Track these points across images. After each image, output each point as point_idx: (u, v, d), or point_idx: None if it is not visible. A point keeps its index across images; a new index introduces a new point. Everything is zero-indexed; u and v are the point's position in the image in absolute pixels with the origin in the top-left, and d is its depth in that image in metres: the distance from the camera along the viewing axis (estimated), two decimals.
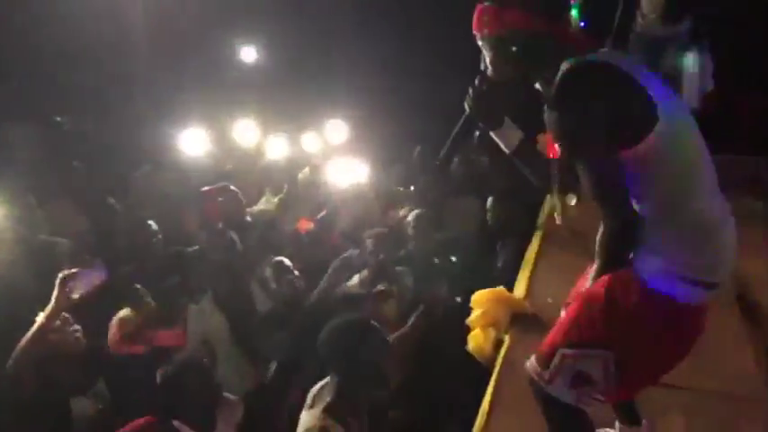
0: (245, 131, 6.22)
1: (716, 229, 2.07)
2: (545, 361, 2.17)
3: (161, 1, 7.82)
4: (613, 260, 2.10)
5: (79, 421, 3.41)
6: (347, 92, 7.83)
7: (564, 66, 1.97)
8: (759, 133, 6.21)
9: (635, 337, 2.08)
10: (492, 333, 3.53)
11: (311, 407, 2.82)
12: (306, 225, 5.10)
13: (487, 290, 3.67)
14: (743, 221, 4.52)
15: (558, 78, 1.96)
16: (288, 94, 7.74)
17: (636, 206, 2.05)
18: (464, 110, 2.33)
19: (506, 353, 3.37)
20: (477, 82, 2.26)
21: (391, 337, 3.39)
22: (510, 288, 3.94)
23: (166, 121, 6.84)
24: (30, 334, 3.26)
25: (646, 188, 2.00)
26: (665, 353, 2.15)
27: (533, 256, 4.39)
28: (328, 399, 2.76)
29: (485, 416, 2.95)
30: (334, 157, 5.69)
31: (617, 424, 2.59)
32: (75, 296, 3.32)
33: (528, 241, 4.63)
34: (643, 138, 1.91)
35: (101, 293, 3.52)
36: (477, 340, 3.55)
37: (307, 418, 2.77)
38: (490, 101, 2.27)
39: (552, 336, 2.21)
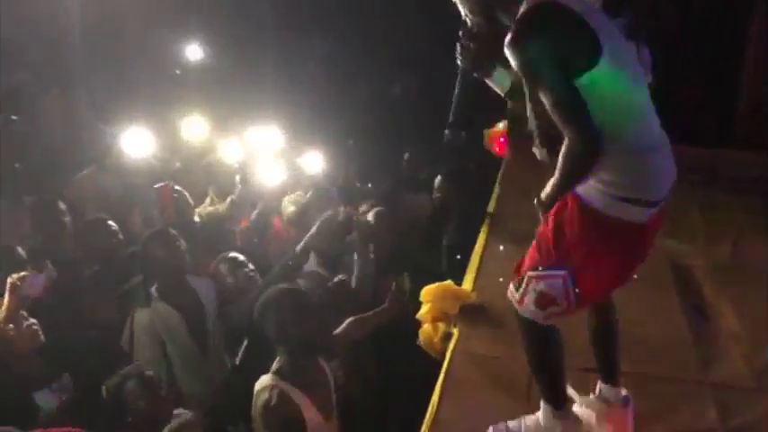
0: (194, 128, 6.10)
1: (652, 152, 2.28)
2: (517, 285, 2.43)
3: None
4: (571, 176, 2.23)
5: (44, 414, 3.39)
6: (290, 91, 7.82)
7: (524, 6, 2.19)
8: (692, 122, 6.41)
9: (588, 255, 2.30)
10: (441, 327, 3.57)
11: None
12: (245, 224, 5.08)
13: (435, 284, 3.70)
14: (678, 209, 4.72)
15: (518, 17, 2.19)
16: (233, 93, 7.66)
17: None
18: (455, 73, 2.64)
19: (456, 345, 3.41)
20: (461, 35, 2.47)
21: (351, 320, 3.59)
22: (455, 269, 4.00)
23: (109, 121, 6.73)
24: None
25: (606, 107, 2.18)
26: (616, 266, 2.40)
27: (481, 245, 4.45)
28: (277, 363, 2.98)
29: (434, 407, 2.98)
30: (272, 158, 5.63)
31: (598, 387, 2.73)
32: (26, 298, 3.39)
33: (475, 224, 4.71)
34: (587, 69, 2.11)
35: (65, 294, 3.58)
36: (427, 334, 3.59)
37: (261, 378, 2.98)
38: (476, 51, 2.48)
39: (523, 264, 2.45)
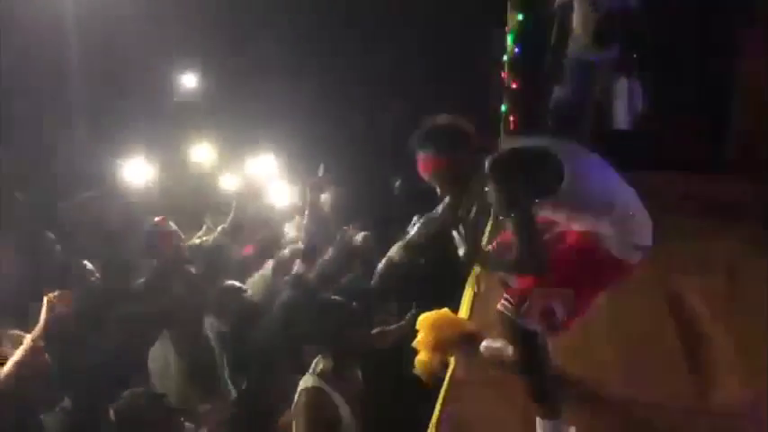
0: (202, 155, 6.16)
1: (635, 211, 2.89)
2: (518, 301, 2.78)
3: (99, 29, 7.73)
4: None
5: None
6: (285, 121, 7.89)
7: (487, 161, 2.72)
8: (686, 150, 6.45)
9: (591, 283, 2.85)
10: (438, 356, 3.58)
11: (312, 372, 3.19)
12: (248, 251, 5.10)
13: (432, 312, 3.72)
14: (675, 238, 4.74)
15: (486, 168, 2.71)
16: (229, 124, 7.73)
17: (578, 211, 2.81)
18: None
19: (452, 374, 3.42)
20: None
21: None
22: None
23: (107, 150, 6.77)
24: (19, 354, 3.35)
25: (582, 208, 2.80)
26: (600, 296, 2.94)
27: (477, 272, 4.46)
28: (321, 366, 3.18)
29: None
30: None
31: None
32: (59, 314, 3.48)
33: None
34: (558, 184, 2.68)
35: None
36: (423, 363, 3.60)
37: (305, 378, 3.18)
38: None
39: (526, 281, 2.84)
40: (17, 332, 3.58)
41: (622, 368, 3.27)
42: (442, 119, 2.92)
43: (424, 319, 3.68)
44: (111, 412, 3.24)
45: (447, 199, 3.26)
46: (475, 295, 4.16)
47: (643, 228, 2.90)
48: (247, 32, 9.08)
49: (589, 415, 3.12)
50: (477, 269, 4.10)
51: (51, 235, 4.82)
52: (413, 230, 3.42)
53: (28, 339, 3.43)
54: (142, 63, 8.48)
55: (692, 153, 6.46)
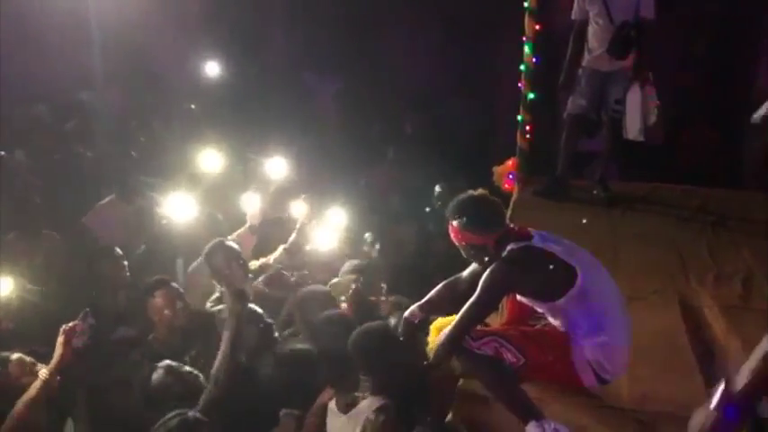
0: (211, 162, 6.06)
1: (620, 347, 3.05)
2: (477, 337, 3.04)
3: (119, 30, 7.80)
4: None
5: None
6: (303, 128, 7.92)
7: (506, 251, 3.00)
8: (702, 164, 6.45)
9: (547, 367, 3.09)
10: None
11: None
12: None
13: (445, 318, 3.72)
14: (688, 249, 4.73)
15: (501, 259, 3.00)
16: (246, 129, 7.76)
17: (575, 326, 3.05)
18: None
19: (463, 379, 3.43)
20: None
21: None
22: None
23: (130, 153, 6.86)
24: (34, 390, 3.27)
25: (578, 320, 3.03)
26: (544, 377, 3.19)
27: None
28: (370, 397, 3.17)
29: None
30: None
31: None
32: (78, 347, 3.38)
33: None
34: (565, 292, 2.97)
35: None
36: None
37: (371, 400, 3.14)
38: None
39: (490, 328, 3.23)
40: (20, 356, 3.50)
41: (636, 378, 3.26)
42: (480, 195, 3.11)
43: (437, 326, 3.68)
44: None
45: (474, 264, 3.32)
46: None
47: (617, 360, 3.06)
48: (262, 38, 9.15)
49: (600, 423, 3.13)
50: None
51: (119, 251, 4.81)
52: (433, 291, 3.43)
53: (43, 373, 3.32)
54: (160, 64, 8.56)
55: (709, 167, 6.46)
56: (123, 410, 3.56)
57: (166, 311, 4.07)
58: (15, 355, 3.51)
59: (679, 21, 6.33)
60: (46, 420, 3.41)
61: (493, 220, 3.07)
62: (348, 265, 4.73)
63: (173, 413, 3.01)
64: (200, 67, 8.72)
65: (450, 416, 3.27)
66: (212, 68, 8.74)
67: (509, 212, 5.62)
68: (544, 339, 3.14)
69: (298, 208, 5.04)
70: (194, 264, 4.76)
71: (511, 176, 6.26)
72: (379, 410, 3.06)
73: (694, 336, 3.82)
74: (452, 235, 3.11)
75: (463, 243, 3.09)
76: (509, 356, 3.03)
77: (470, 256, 3.17)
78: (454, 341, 3.03)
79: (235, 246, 4.45)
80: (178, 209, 4.99)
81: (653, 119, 5.15)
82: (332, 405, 3.28)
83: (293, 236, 4.96)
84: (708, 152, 6.72)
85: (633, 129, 5.19)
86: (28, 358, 3.52)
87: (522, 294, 3.18)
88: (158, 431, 2.90)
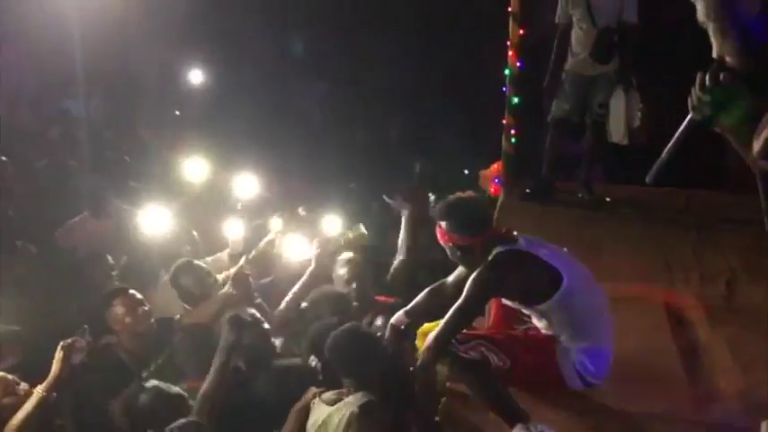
0: (195, 170, 5.97)
1: (605, 350, 3.12)
2: (464, 340, 3.09)
3: (102, 36, 7.77)
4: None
5: None
6: (287, 133, 7.91)
7: (492, 254, 3.04)
8: (688, 167, 6.48)
9: (533, 371, 3.14)
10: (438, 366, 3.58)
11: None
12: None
13: (433, 323, 3.72)
14: (672, 250, 4.76)
15: (487, 262, 3.05)
16: (230, 135, 7.75)
17: (562, 329, 3.11)
18: None
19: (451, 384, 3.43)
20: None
21: None
22: None
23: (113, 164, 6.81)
24: (30, 407, 3.21)
25: (563, 324, 3.08)
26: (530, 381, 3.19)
27: None
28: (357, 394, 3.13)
29: None
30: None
31: None
32: (75, 363, 3.35)
33: None
34: (550, 296, 3.00)
35: None
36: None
37: (358, 395, 3.11)
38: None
39: (477, 331, 3.31)
40: (3, 375, 3.40)
41: (621, 379, 3.27)
42: (467, 197, 3.18)
43: (424, 330, 3.68)
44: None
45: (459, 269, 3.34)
46: None
47: (602, 363, 3.12)
48: (247, 41, 9.14)
49: (585, 425, 3.14)
50: None
51: (110, 259, 4.77)
52: (419, 297, 3.45)
53: (37, 391, 3.25)
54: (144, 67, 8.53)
55: (692, 166, 6.50)
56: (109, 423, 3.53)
57: (127, 319, 3.98)
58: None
59: (664, 23, 6.36)
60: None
61: (479, 222, 3.11)
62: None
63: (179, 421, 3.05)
64: (184, 73, 8.71)
65: (438, 417, 3.28)
66: (196, 76, 8.73)
67: (495, 215, 5.65)
68: (530, 343, 3.20)
69: (274, 224, 4.99)
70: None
71: (497, 180, 6.29)
72: (364, 406, 3.06)
73: (678, 336, 3.85)
74: (439, 236, 3.14)
75: (450, 244, 3.11)
76: (495, 360, 3.08)
77: (456, 258, 3.19)
78: (441, 344, 3.06)
79: (202, 264, 4.43)
80: (153, 221, 4.93)
81: (637, 122, 5.19)
82: (316, 400, 3.28)
83: (259, 246, 4.88)
84: (691, 153, 6.75)
85: (617, 132, 5.23)
86: (10, 376, 3.42)
87: (508, 298, 3.21)
88: None
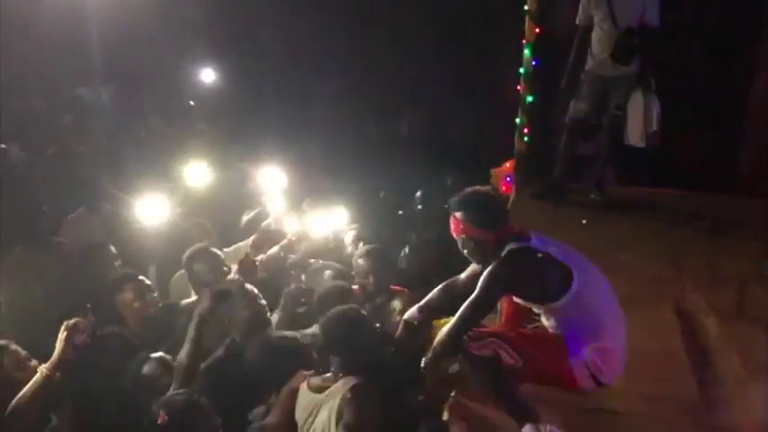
0: (196, 173, 5.90)
1: (618, 350, 3.09)
2: (476, 338, 3.06)
3: (118, 26, 7.80)
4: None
5: None
6: (300, 128, 7.91)
7: (505, 250, 3.02)
8: (701, 170, 6.47)
9: (545, 369, 3.09)
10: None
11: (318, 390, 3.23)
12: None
13: (445, 319, 3.72)
14: (684, 254, 4.75)
15: (500, 258, 3.03)
16: (244, 130, 7.76)
17: (571, 329, 3.08)
18: None
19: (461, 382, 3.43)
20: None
21: None
22: None
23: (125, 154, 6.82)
24: (34, 385, 3.28)
25: (575, 322, 3.05)
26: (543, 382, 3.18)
27: None
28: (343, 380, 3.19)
29: None
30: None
31: None
32: (79, 343, 3.41)
33: None
34: (562, 295, 2.98)
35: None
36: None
37: (348, 380, 3.17)
38: None
39: (488, 328, 3.24)
40: (16, 348, 3.51)
41: (631, 381, 3.27)
42: (486, 191, 3.19)
43: (439, 324, 3.69)
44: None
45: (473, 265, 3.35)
46: None
47: (614, 363, 3.09)
48: (262, 36, 9.15)
49: (595, 427, 3.16)
50: None
51: (113, 249, 4.77)
52: (432, 293, 3.49)
53: (42, 369, 3.33)
54: (159, 59, 8.54)
55: (704, 172, 6.49)
56: (110, 402, 3.58)
57: (136, 304, 4.10)
58: (12, 346, 3.51)
59: (677, 25, 6.34)
60: (36, 416, 3.40)
61: (496, 217, 3.10)
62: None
63: (177, 392, 3.11)
64: (199, 66, 8.73)
65: (446, 414, 3.29)
66: (208, 75, 8.76)
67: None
68: (542, 341, 3.16)
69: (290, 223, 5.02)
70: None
71: (508, 179, 6.28)
72: (354, 388, 3.12)
73: (689, 340, 3.85)
74: (453, 227, 3.14)
75: (463, 236, 3.11)
76: (507, 358, 3.04)
77: (468, 251, 3.17)
78: (452, 341, 3.05)
79: (218, 252, 4.47)
80: (150, 213, 4.89)
81: (654, 126, 5.16)
82: (303, 386, 3.32)
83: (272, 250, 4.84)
84: (702, 157, 6.74)
85: (635, 135, 5.20)
86: (23, 352, 3.52)
87: (520, 296, 3.20)
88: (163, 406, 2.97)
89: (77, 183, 5.80)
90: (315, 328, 4.10)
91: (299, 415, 3.27)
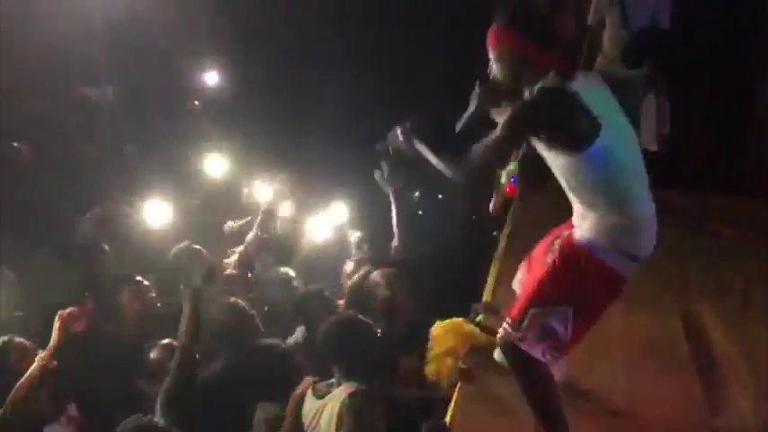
0: (215, 166, 5.99)
1: (648, 220, 2.68)
2: (517, 323, 2.68)
3: (124, 26, 7.81)
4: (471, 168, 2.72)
5: None
6: (304, 129, 7.91)
7: (539, 85, 2.63)
8: (705, 171, 6.45)
9: (585, 295, 2.67)
10: (449, 362, 3.59)
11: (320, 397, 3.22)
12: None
13: (446, 321, 3.73)
14: (688, 256, 4.74)
15: (533, 94, 2.66)
16: (249, 131, 7.76)
17: (594, 195, 2.65)
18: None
19: (463, 384, 3.43)
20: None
21: None
22: None
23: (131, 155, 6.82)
24: (31, 374, 3.33)
25: (599, 184, 2.62)
26: (599, 309, 2.75)
27: (500, 257, 4.66)
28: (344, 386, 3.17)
29: None
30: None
31: None
32: (79, 330, 3.51)
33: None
34: (587, 146, 2.53)
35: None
36: (433, 370, 3.61)
37: (346, 386, 3.15)
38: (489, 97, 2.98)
39: (520, 302, 2.75)
40: (21, 341, 3.57)
41: (635, 385, 3.27)
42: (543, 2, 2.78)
43: (437, 328, 3.70)
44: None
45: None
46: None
47: (648, 238, 2.71)
48: (270, 35, 9.14)
49: (596, 428, 3.13)
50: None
51: (106, 246, 4.78)
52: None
53: (39, 358, 3.38)
54: (164, 60, 8.54)
55: (709, 173, 6.47)
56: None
57: (136, 305, 4.16)
58: (17, 339, 3.57)
59: (681, 24, 6.33)
60: (47, 407, 3.46)
61: (548, 32, 2.68)
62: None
63: (131, 418, 3.10)
64: (202, 67, 8.74)
65: (449, 417, 3.28)
66: (214, 71, 8.78)
67: (509, 216, 5.62)
68: (565, 266, 2.71)
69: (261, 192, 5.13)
70: None
71: (513, 180, 6.27)
72: (353, 395, 3.12)
73: (694, 343, 3.83)
74: (490, 40, 2.73)
75: (501, 48, 2.70)
76: (558, 326, 2.65)
77: (501, 68, 2.74)
78: (485, 163, 2.72)
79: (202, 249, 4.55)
80: (153, 216, 4.98)
81: (667, 129, 5.14)
82: (309, 391, 3.34)
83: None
84: (708, 158, 6.72)
85: (648, 138, 5.17)
86: (29, 343, 3.58)
87: (546, 138, 2.67)
88: None
89: (84, 183, 5.83)
90: (298, 334, 4.22)
91: (305, 420, 3.29)
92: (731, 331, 3.88)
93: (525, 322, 2.66)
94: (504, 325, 2.74)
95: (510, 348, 2.73)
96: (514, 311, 2.73)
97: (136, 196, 5.54)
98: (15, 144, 6.08)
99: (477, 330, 3.81)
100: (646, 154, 5.28)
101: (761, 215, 5.28)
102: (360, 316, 3.54)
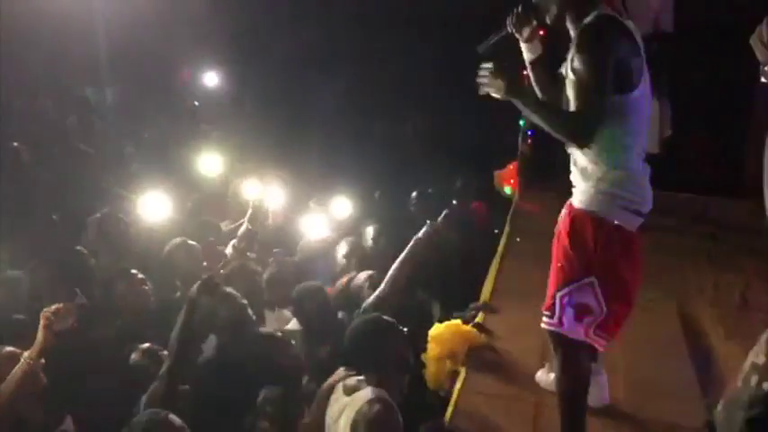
0: (211, 165, 5.95)
1: (646, 175, 2.70)
2: (551, 311, 2.67)
3: (123, 27, 7.81)
4: (549, 125, 2.60)
5: None
6: (304, 128, 7.91)
7: (591, 16, 2.55)
8: (705, 172, 6.44)
9: (602, 262, 2.61)
10: (448, 365, 3.59)
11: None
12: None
13: (444, 323, 3.73)
14: (687, 257, 4.73)
15: (585, 25, 2.56)
16: (249, 129, 7.76)
17: (604, 145, 2.57)
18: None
19: (462, 384, 3.43)
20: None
21: None
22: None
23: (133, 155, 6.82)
24: (18, 374, 3.20)
25: (610, 137, 2.56)
26: (625, 274, 2.68)
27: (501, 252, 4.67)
28: (368, 387, 3.03)
29: None
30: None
31: None
32: (67, 327, 3.33)
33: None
34: (627, 91, 2.54)
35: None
36: (432, 375, 3.60)
37: (366, 392, 3.00)
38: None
39: (549, 293, 2.72)
40: (11, 349, 3.40)
41: (634, 388, 3.26)
42: None
43: (436, 330, 3.69)
44: None
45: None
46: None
47: (648, 192, 2.71)
48: (268, 36, 9.14)
49: (596, 428, 3.12)
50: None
51: (83, 249, 4.70)
52: None
53: (24, 358, 3.24)
54: (163, 61, 8.55)
55: (708, 175, 6.46)
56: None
57: (132, 297, 4.12)
58: (7, 349, 3.43)
59: (679, 27, 6.33)
60: (42, 416, 3.34)
61: None
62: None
63: (146, 411, 3.02)
64: (202, 68, 8.75)
65: (448, 416, 3.28)
66: (213, 72, 8.78)
67: (509, 216, 5.62)
68: (574, 239, 2.68)
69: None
70: None
71: (512, 180, 6.28)
72: (372, 402, 2.98)
73: (693, 343, 3.83)
74: None
75: None
76: (589, 300, 2.62)
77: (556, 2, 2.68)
78: (590, 112, 2.53)
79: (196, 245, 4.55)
80: (152, 211, 4.94)
81: (669, 131, 5.13)
82: (340, 384, 3.23)
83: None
84: (706, 160, 6.72)
85: (651, 141, 5.16)
86: (19, 351, 3.39)
87: (617, 66, 2.53)
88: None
89: (83, 183, 5.82)
90: (293, 323, 4.22)
91: (330, 412, 3.17)
92: (730, 331, 3.88)
93: (557, 308, 2.66)
94: (543, 319, 2.72)
95: (556, 341, 2.72)
96: (547, 303, 2.72)
97: (135, 195, 5.51)
98: (15, 144, 6.07)
99: (476, 331, 3.82)
100: (646, 155, 5.36)
101: (760, 216, 5.27)
102: (385, 317, 3.38)
